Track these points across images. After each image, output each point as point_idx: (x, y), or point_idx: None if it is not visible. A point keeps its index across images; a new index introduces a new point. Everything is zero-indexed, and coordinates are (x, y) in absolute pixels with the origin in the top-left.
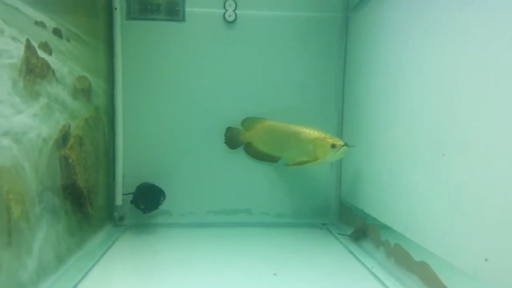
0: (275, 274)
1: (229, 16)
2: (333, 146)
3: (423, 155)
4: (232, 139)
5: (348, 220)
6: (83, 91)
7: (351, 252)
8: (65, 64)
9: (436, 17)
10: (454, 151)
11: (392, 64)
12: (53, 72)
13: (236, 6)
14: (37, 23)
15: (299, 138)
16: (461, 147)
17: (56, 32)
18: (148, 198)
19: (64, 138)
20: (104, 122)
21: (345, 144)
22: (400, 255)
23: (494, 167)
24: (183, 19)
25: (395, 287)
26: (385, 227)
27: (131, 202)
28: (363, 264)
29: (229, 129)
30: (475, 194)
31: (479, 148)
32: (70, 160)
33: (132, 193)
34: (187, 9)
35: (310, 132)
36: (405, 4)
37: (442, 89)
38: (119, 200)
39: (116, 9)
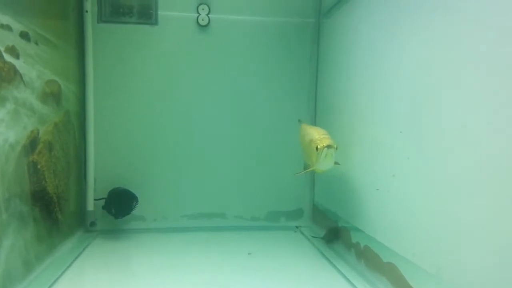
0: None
1: (202, 20)
2: (316, 148)
3: (389, 159)
4: None
5: (322, 223)
6: (52, 95)
7: (323, 254)
8: (33, 68)
9: (400, 23)
10: (418, 155)
11: (361, 69)
12: (21, 76)
13: (209, 10)
14: (2, 26)
15: (304, 141)
16: (424, 152)
17: (24, 35)
18: (120, 203)
19: (32, 143)
20: (74, 127)
21: (328, 146)
22: (370, 257)
23: (455, 172)
24: (156, 23)
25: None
26: (356, 230)
27: (103, 207)
28: (334, 266)
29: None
30: (438, 198)
31: (441, 153)
32: (39, 166)
33: (104, 198)
34: (160, 12)
35: (312, 133)
36: (372, 11)
37: (407, 93)
38: (90, 206)
39: (87, 11)
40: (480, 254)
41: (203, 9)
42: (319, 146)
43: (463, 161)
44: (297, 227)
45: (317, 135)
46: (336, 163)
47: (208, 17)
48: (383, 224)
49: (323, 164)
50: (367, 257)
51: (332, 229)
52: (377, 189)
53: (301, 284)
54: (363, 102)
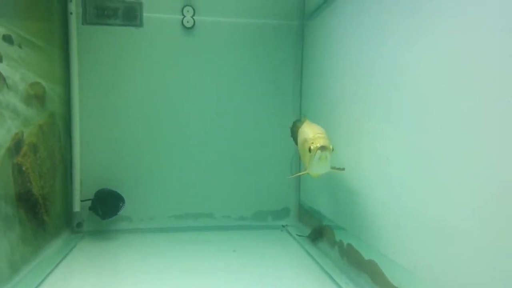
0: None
1: (187, 22)
2: (310, 149)
3: (369, 160)
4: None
5: (307, 222)
6: (36, 98)
7: (308, 253)
8: (17, 71)
9: (383, 25)
10: (398, 156)
11: (345, 69)
12: (4, 79)
13: (194, 12)
14: None
15: (299, 140)
16: (403, 153)
17: (7, 38)
18: (107, 204)
19: (16, 145)
20: (60, 128)
21: (321, 147)
22: (352, 255)
23: (432, 176)
24: (141, 25)
25: (347, 285)
26: (339, 228)
27: (90, 208)
28: (318, 263)
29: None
30: (415, 199)
31: (419, 156)
32: (23, 168)
33: (90, 199)
34: (145, 14)
35: (307, 132)
36: (355, 13)
37: (392, 93)
38: (77, 207)
39: (71, 13)
40: (452, 252)
41: (188, 11)
42: (312, 147)
43: (440, 164)
44: (283, 226)
45: (312, 134)
46: (339, 168)
47: (193, 19)
48: (365, 223)
49: (317, 168)
50: (350, 255)
51: (317, 227)
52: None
53: (286, 281)
54: (348, 101)
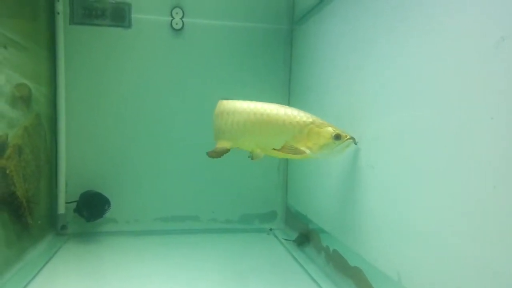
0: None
1: (176, 24)
2: (337, 137)
3: (355, 166)
4: None
5: (294, 225)
6: (22, 99)
7: (294, 258)
8: (2, 72)
9: (367, 31)
10: (382, 164)
11: (332, 73)
12: None
13: (183, 14)
14: None
15: (281, 121)
16: (388, 161)
17: None
18: (92, 206)
19: (1, 148)
20: (45, 129)
21: (351, 138)
22: (338, 261)
23: (419, 181)
24: (129, 26)
25: None
26: (325, 233)
27: (75, 210)
28: (304, 269)
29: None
30: (400, 207)
31: (404, 163)
32: (7, 171)
33: (75, 201)
34: (133, 15)
35: (300, 114)
36: (343, 19)
37: (379, 98)
38: (61, 209)
39: (58, 13)
40: (436, 261)
41: (177, 13)
42: (342, 135)
43: (426, 172)
44: (270, 229)
45: (309, 118)
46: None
47: (182, 21)
48: (351, 229)
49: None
50: (336, 260)
51: (304, 232)
52: None
53: (270, 287)
54: (335, 105)
